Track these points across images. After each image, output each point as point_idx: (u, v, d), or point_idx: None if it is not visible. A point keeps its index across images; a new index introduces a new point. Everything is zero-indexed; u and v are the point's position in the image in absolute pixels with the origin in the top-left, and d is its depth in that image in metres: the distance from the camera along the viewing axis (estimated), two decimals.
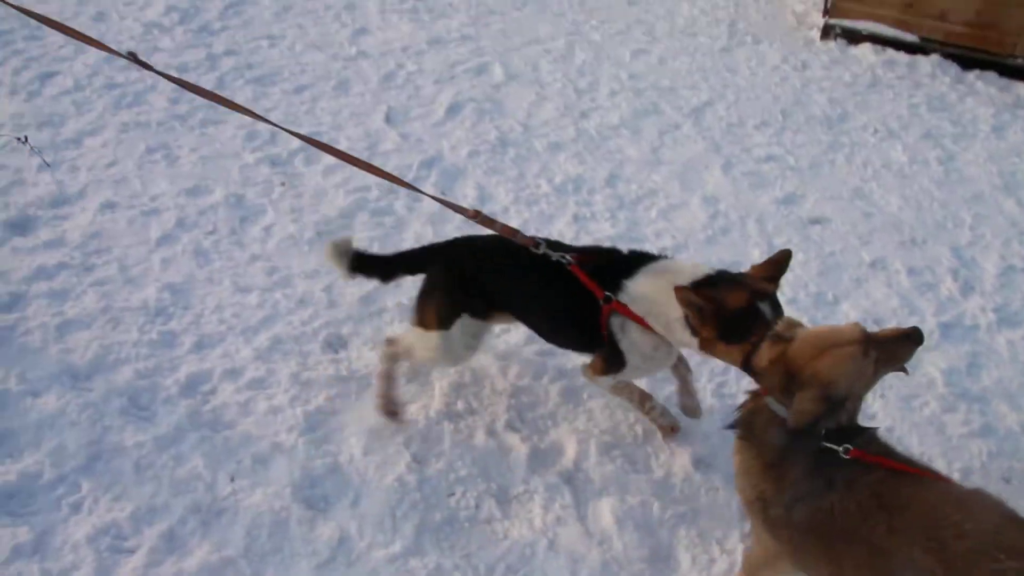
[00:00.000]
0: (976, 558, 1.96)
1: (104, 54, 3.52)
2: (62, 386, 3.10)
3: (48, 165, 4.11)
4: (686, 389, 3.17)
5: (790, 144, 5.34)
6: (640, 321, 2.71)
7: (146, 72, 2.99)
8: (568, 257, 2.78)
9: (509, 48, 6.35)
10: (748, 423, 2.34)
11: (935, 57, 6.76)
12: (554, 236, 4.16)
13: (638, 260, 2.80)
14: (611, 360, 2.86)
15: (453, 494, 2.89)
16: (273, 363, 3.34)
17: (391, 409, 3.11)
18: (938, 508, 2.09)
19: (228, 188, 4.41)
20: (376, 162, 4.37)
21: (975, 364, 3.73)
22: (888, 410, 3.44)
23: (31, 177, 4.24)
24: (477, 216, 2.88)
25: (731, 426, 2.41)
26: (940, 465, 3.19)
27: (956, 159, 5.38)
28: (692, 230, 4.40)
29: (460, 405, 3.26)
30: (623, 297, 2.71)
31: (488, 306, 2.97)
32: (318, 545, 2.67)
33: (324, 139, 4.81)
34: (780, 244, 4.34)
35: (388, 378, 3.11)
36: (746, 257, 4.22)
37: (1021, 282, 4.29)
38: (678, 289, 2.46)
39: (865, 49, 6.88)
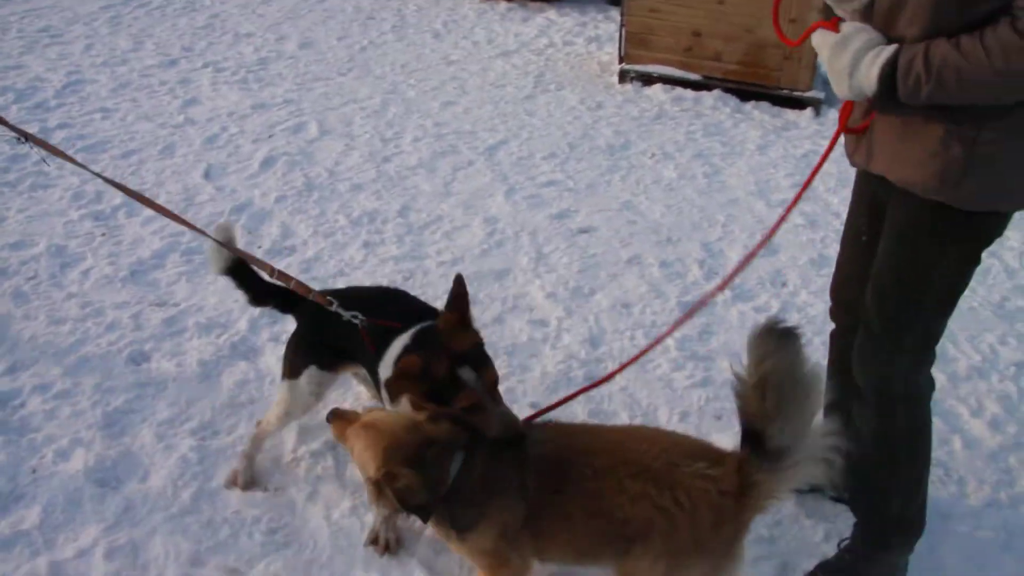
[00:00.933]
0: (671, 468, 2.27)
1: None
2: None
3: (48, 165, 4.31)
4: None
5: (572, 171, 6.05)
6: None
7: None
8: (360, 318, 2.80)
9: (327, 108, 6.99)
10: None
11: (717, 92, 7.65)
12: (343, 265, 4.74)
13: (413, 321, 2.76)
14: None
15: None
16: (79, 377, 3.79)
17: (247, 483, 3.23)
18: (623, 443, 2.39)
19: (51, 240, 4.87)
20: (191, 212, 4.97)
21: (707, 332, 4.36)
22: (625, 373, 4.04)
23: None
24: (273, 273, 2.97)
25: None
26: (663, 412, 3.76)
27: (721, 173, 6.15)
28: (470, 246, 5.01)
29: (243, 397, 3.76)
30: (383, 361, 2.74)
31: (335, 358, 3.07)
32: (107, 514, 3.11)
33: (147, 194, 5.33)
34: (549, 252, 4.99)
35: (250, 457, 3.26)
36: (516, 265, 4.84)
37: (758, 266, 4.97)
38: (396, 373, 2.51)
39: (656, 89, 7.71)
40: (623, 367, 2.97)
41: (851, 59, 2.17)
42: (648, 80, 7.85)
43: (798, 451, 2.15)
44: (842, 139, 2.59)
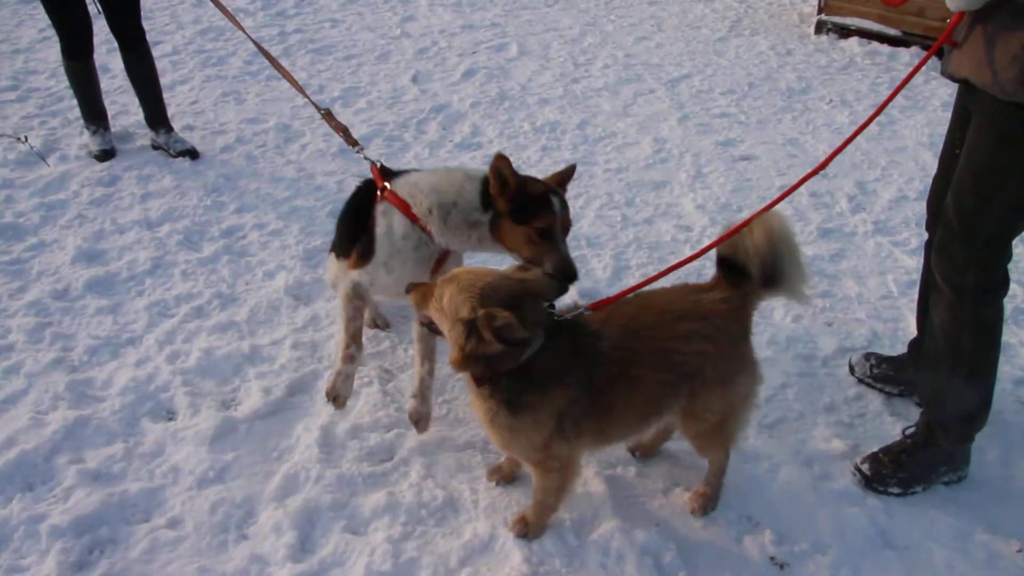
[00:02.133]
0: (697, 303, 2.56)
1: (197, 30, 4.70)
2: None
3: (48, 165, 5.23)
4: (421, 392, 3.14)
5: (747, 107, 6.39)
6: (405, 208, 2.90)
7: (229, 40, 4.33)
8: (370, 159, 3.13)
9: (529, 33, 7.59)
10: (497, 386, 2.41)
11: (915, 48, 7.66)
12: (520, 161, 5.35)
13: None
14: (363, 250, 3.03)
15: None
16: (289, 222, 4.59)
17: None
18: (655, 298, 2.62)
19: (279, 119, 5.75)
20: (396, 107, 5.70)
21: (838, 255, 4.66)
22: None
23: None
24: (327, 115, 3.51)
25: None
26: (779, 312, 4.10)
27: (896, 124, 6.31)
28: (636, 159, 5.50)
29: None
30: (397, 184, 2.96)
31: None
32: (297, 320, 3.87)
33: (360, 91, 6.16)
34: (708, 172, 5.41)
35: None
36: (675, 179, 5.30)
37: (907, 207, 5.20)
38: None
39: (852, 42, 7.82)
40: (702, 251, 2.78)
41: None
42: (845, 32, 7.95)
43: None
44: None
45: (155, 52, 6.43)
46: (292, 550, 2.69)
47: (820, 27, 8.07)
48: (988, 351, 2.95)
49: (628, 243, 4.56)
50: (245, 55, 6.70)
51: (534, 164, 5.33)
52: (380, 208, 2.97)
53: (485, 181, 2.85)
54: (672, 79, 6.76)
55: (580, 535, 2.78)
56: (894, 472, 3.02)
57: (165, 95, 5.51)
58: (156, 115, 5.27)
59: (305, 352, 3.60)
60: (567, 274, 2.72)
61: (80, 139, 5.31)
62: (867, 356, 3.61)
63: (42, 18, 6.88)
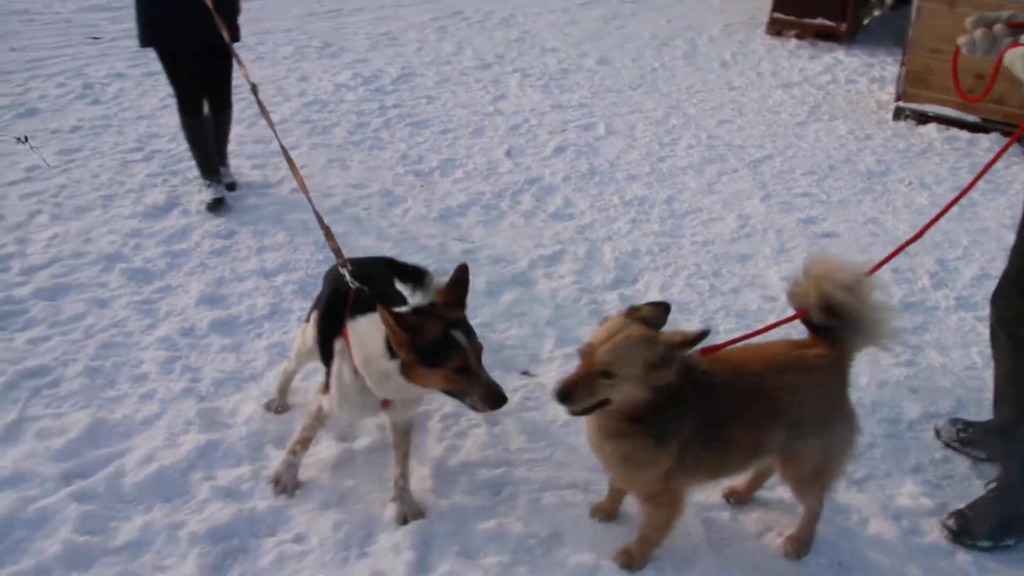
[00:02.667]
0: (800, 356, 2.81)
1: (303, 102, 5.16)
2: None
3: (49, 166, 5.60)
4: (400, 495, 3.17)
5: (828, 187, 6.60)
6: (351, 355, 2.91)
7: (332, 112, 4.70)
8: (354, 285, 3.09)
9: (615, 114, 7.95)
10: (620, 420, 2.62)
11: (995, 135, 7.80)
12: (611, 232, 5.60)
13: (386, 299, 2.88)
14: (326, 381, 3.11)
15: None
16: None
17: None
18: (761, 350, 2.83)
19: (382, 185, 6.12)
20: (492, 178, 6.05)
21: (921, 328, 4.79)
22: None
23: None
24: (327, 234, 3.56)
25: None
26: (864, 378, 4.22)
27: (977, 206, 6.45)
28: (721, 234, 5.73)
29: (516, 310, 4.70)
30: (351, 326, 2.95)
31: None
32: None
33: (457, 162, 6.53)
34: (791, 247, 5.61)
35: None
36: (759, 252, 5.50)
37: (990, 284, 5.27)
38: (380, 307, 2.61)
39: (930, 128, 8.01)
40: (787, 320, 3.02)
41: None
42: (923, 119, 8.14)
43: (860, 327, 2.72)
44: None
45: (263, 122, 6.98)
46: (411, 568, 2.90)
47: (898, 113, 8.29)
48: None
49: (716, 310, 4.76)
50: (348, 126, 7.15)
51: (624, 235, 5.59)
52: (337, 346, 2.97)
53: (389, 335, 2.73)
54: (754, 159, 7.01)
55: (680, 570, 2.95)
56: (981, 525, 3.12)
57: (273, 160, 6.30)
58: (221, 157, 6.06)
59: None
60: (496, 401, 2.67)
61: (199, 196, 5.71)
62: (953, 421, 3.74)
63: (163, 88, 7.42)
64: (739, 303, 4.87)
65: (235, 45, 5.15)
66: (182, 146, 6.48)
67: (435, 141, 7.06)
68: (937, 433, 3.75)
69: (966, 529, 3.16)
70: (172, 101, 5.88)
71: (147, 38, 5.45)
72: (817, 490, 2.94)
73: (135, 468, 3.33)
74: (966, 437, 3.66)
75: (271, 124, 4.42)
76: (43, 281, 4.74)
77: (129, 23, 6.33)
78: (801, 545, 3.05)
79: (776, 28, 11.66)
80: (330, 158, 6.55)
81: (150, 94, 8.20)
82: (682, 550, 3.03)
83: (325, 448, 3.47)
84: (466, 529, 3.09)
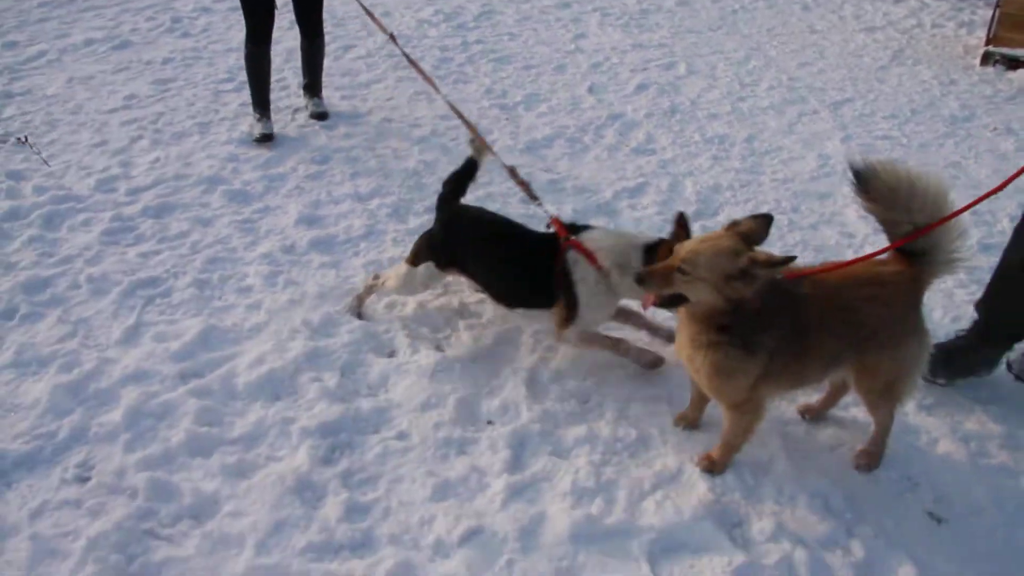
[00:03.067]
0: (878, 272, 2.92)
1: (386, 37, 5.32)
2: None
3: (49, 166, 5.68)
4: (647, 326, 3.78)
5: (909, 131, 6.57)
6: (592, 258, 3.39)
7: (416, 48, 4.85)
8: (549, 213, 3.63)
9: (696, 55, 7.96)
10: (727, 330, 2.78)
11: None
12: (693, 168, 5.69)
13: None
14: (568, 305, 3.48)
15: None
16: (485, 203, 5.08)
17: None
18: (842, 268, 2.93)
19: (470, 119, 6.27)
20: (575, 113, 6.17)
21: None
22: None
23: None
24: (511, 171, 3.96)
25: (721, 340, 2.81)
26: (938, 313, 4.28)
27: None
28: (801, 172, 5.78)
29: None
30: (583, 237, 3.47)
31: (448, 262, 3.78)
32: None
33: (541, 97, 6.65)
34: None
35: (362, 299, 4.05)
36: (838, 192, 5.55)
37: None
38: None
39: (1021, 74, 7.86)
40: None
41: None
42: (1015, 64, 7.95)
43: (937, 253, 2.87)
44: None
45: (349, 55, 7.19)
46: (507, 464, 3.11)
47: (987, 58, 8.13)
48: None
49: (794, 244, 4.85)
50: (432, 60, 7.29)
51: (705, 171, 5.68)
52: (570, 256, 3.43)
53: (647, 249, 3.34)
54: (835, 102, 7.00)
55: (757, 476, 3.12)
56: (945, 366, 3.54)
57: (361, 92, 6.55)
58: (315, 87, 6.31)
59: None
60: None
61: (249, 127, 5.97)
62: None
63: None
64: (818, 238, 4.95)
65: None
66: (275, 76, 6.70)
67: (518, 77, 7.17)
68: (1009, 366, 3.84)
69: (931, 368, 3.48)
70: None
71: None
72: (888, 403, 3.06)
73: (246, 369, 3.59)
74: None
75: (422, 73, 4.82)
76: (149, 200, 5.03)
77: None
78: (872, 459, 3.18)
79: None
80: (416, 91, 6.71)
81: (236, 27, 8.39)
82: (760, 458, 3.19)
83: (424, 356, 3.68)
84: (557, 432, 3.29)
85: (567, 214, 4.89)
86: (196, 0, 9.20)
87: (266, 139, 5.79)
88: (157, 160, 5.56)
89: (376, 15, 5.21)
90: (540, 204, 3.79)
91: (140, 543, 2.78)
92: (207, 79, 7.06)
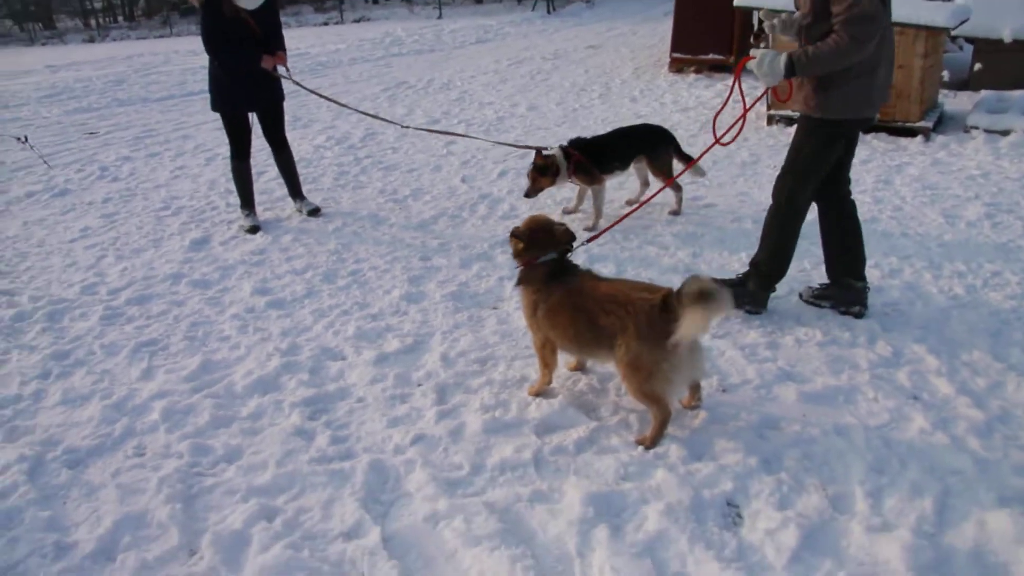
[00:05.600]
0: (630, 295, 3.88)
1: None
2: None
3: (50, 167, 7.27)
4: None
5: (711, 176, 8.50)
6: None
7: (316, 167, 6.54)
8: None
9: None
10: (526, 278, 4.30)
11: None
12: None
13: None
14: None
15: None
16: (392, 264, 6.66)
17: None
18: (614, 284, 4.10)
19: (370, 211, 7.91)
20: (453, 198, 7.83)
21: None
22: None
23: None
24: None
25: (517, 283, 4.41)
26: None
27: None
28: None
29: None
30: None
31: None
32: (411, 311, 5.89)
33: (424, 190, 8.34)
34: (684, 221, 7.46)
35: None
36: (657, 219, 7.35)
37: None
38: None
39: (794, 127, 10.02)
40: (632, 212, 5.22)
41: (768, 62, 4.68)
42: (791, 122, 10.17)
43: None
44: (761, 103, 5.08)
45: (264, 177, 8.78)
46: (434, 402, 4.59)
47: (770, 120, 10.32)
48: (787, 237, 5.23)
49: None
50: (333, 175, 8.99)
51: None
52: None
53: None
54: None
55: (604, 382, 4.69)
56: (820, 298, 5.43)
57: (279, 204, 8.08)
58: (295, 190, 7.92)
59: (421, 323, 5.60)
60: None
61: (240, 223, 7.50)
62: (808, 287, 5.61)
63: (170, 163, 9.22)
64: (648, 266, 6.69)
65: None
66: (204, 200, 8.28)
67: (404, 178, 8.90)
68: (800, 296, 5.63)
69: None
70: (181, 172, 8.21)
71: (220, 104, 7.33)
72: (644, 398, 4.02)
73: (241, 379, 5.00)
74: (818, 292, 5.53)
75: (330, 98, 6.25)
76: (129, 295, 6.41)
77: (114, 119, 8.13)
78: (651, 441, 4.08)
79: (677, 66, 13.80)
80: (324, 198, 8.34)
81: (159, 170, 9.98)
82: (604, 375, 4.77)
83: (366, 355, 5.18)
84: (467, 383, 4.80)
85: (456, 262, 6.51)
86: (116, 152, 10.73)
87: (255, 230, 7.33)
88: (125, 269, 6.96)
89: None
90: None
91: (193, 478, 4.14)
92: (146, 210, 8.52)
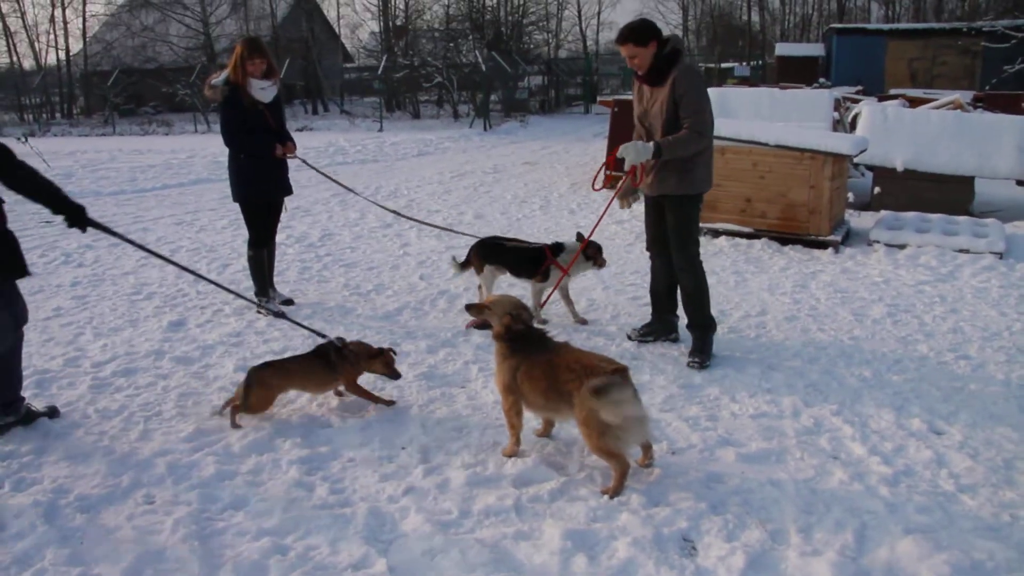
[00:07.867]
0: (592, 366, 4.45)
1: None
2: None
3: (49, 167, 7.85)
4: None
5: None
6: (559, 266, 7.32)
7: (278, 263, 7.25)
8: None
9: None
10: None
11: (764, 239, 10.83)
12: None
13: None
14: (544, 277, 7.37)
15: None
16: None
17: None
18: (580, 356, 4.63)
19: (336, 303, 8.52)
20: (413, 293, 8.51)
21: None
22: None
23: None
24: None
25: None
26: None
27: (747, 281, 9.28)
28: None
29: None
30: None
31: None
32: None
33: (385, 286, 9.01)
34: (622, 314, 8.26)
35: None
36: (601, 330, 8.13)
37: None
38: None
39: (721, 239, 11.01)
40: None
41: (635, 149, 5.93)
42: (716, 233, 11.21)
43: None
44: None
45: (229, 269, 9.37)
46: (419, 461, 5.18)
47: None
48: (704, 295, 6.42)
49: None
50: (296, 270, 9.61)
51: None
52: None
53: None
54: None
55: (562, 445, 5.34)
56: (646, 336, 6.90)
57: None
58: (271, 284, 8.38)
59: (398, 397, 6.17)
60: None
61: (263, 310, 8.12)
62: (633, 329, 6.90)
63: (136, 253, 9.60)
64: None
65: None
66: (174, 288, 8.79)
67: (365, 275, 9.56)
68: (628, 337, 6.87)
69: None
70: (147, 262, 9.02)
71: (245, 192, 7.98)
72: (602, 453, 4.61)
73: (237, 441, 5.47)
74: (644, 331, 7.00)
75: (337, 181, 6.92)
76: (114, 367, 6.84)
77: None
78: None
79: (610, 182, 14.86)
80: (292, 290, 8.93)
81: (124, 258, 10.45)
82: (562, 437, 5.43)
83: (352, 422, 5.73)
84: (446, 445, 5.38)
85: (423, 348, 7.14)
86: (78, 239, 11.17)
87: (280, 316, 7.52)
88: (105, 345, 7.39)
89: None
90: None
91: (205, 522, 4.55)
92: (117, 294, 8.98)
